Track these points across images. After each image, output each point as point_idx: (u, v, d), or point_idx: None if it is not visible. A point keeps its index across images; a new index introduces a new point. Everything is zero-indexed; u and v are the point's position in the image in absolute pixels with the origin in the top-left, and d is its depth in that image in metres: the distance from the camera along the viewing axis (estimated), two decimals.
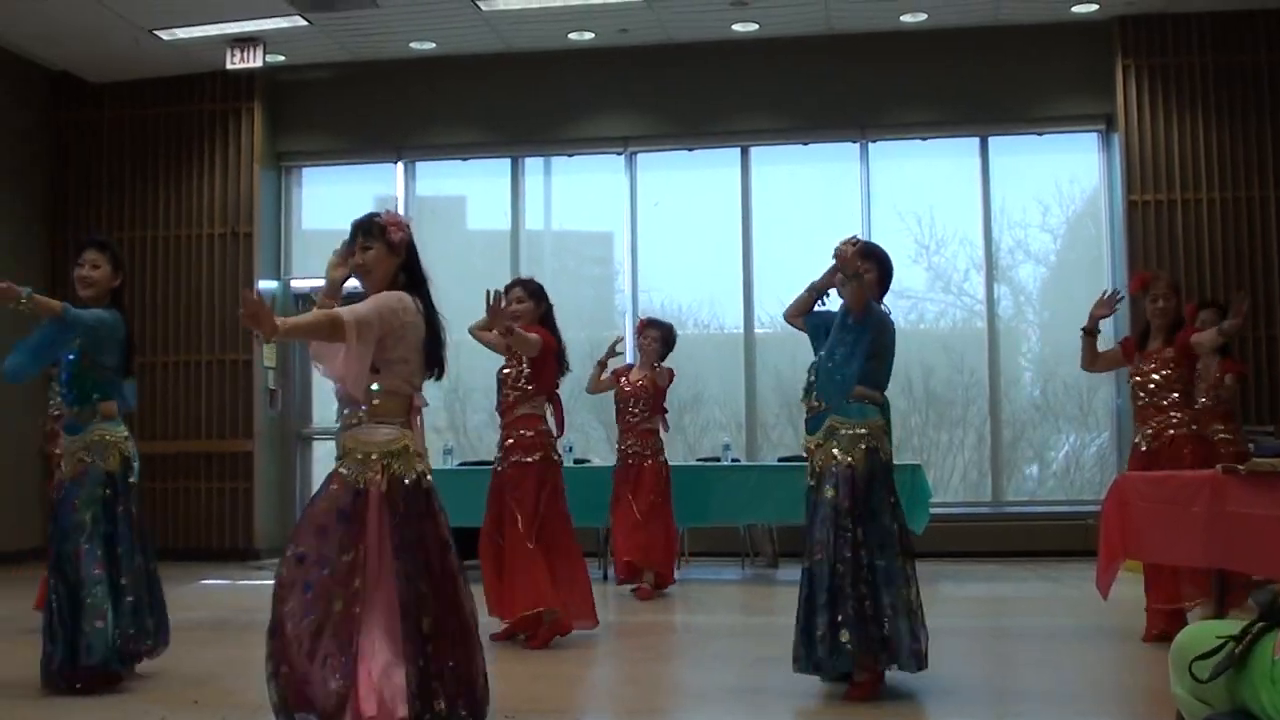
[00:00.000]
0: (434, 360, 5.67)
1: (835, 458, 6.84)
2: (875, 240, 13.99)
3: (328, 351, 5.47)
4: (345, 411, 5.51)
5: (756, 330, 14.91)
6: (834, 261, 6.93)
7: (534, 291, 9.09)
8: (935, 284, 15.04)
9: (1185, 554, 7.32)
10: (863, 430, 6.89)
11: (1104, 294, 9.05)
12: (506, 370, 8.99)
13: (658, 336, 11.73)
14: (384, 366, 5.45)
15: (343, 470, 5.40)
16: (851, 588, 6.63)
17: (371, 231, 5.69)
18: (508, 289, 8.98)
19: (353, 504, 5.33)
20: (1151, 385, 8.73)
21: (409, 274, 5.69)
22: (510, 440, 8.88)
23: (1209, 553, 6.90)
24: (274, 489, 15.24)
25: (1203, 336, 8.80)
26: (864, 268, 7.10)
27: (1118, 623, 8.86)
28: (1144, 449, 8.70)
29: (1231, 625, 3.35)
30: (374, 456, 5.37)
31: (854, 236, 6.97)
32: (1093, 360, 9.07)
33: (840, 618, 6.59)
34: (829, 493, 6.78)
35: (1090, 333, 8.98)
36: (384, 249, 5.66)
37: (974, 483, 14.88)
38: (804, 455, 7.56)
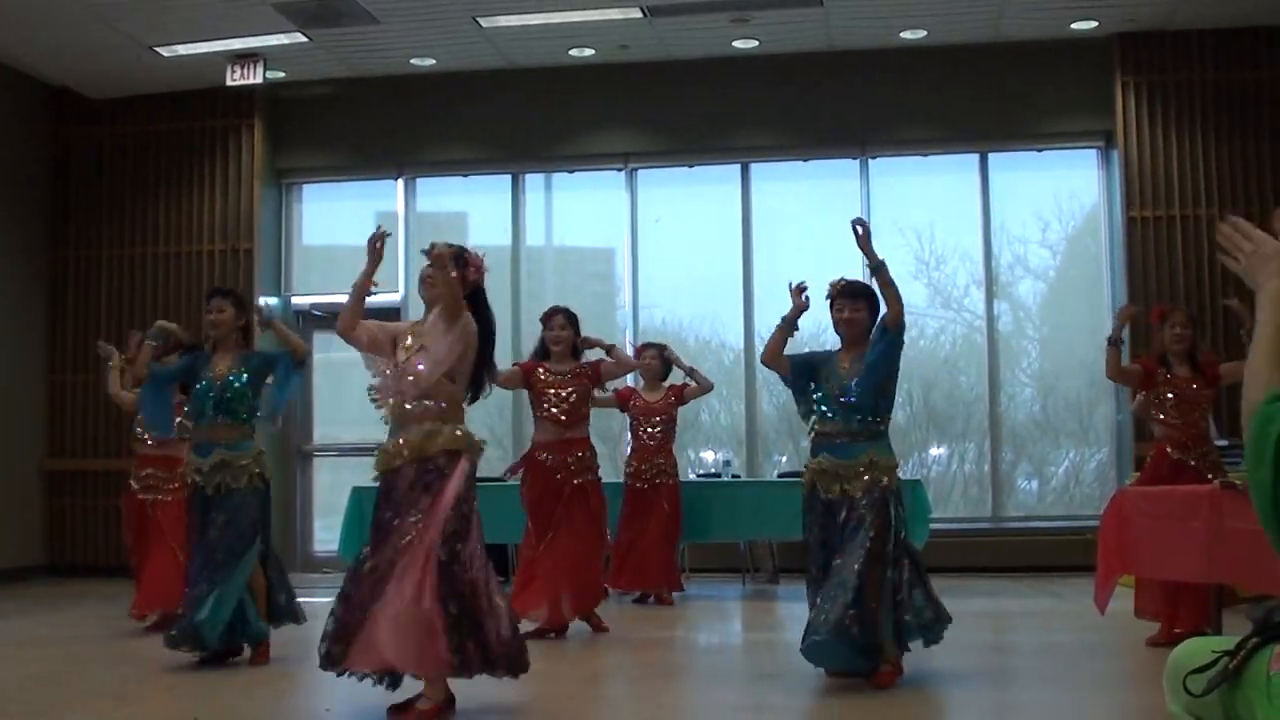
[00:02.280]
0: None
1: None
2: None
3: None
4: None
5: (757, 346, 14.87)
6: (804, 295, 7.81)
7: (573, 320, 9.97)
8: (935, 300, 15.05)
9: (1184, 569, 7.34)
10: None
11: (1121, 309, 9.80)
12: (564, 392, 9.79)
13: (655, 355, 11.93)
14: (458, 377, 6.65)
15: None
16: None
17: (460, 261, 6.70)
18: (550, 317, 10.01)
19: None
20: (1186, 403, 9.00)
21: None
22: (569, 459, 9.74)
23: (1208, 568, 6.92)
24: (275, 505, 15.13)
25: (1235, 368, 9.16)
26: (855, 307, 7.60)
27: (1117, 638, 8.87)
28: (1192, 464, 8.88)
29: (1226, 640, 3.36)
30: None
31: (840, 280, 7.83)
32: (1118, 370, 9.39)
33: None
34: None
35: (1114, 343, 9.30)
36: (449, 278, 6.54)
37: (974, 498, 14.87)
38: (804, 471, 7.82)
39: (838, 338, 7.86)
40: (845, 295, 7.72)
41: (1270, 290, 3.09)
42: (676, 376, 12.13)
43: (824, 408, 7.59)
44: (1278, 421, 2.93)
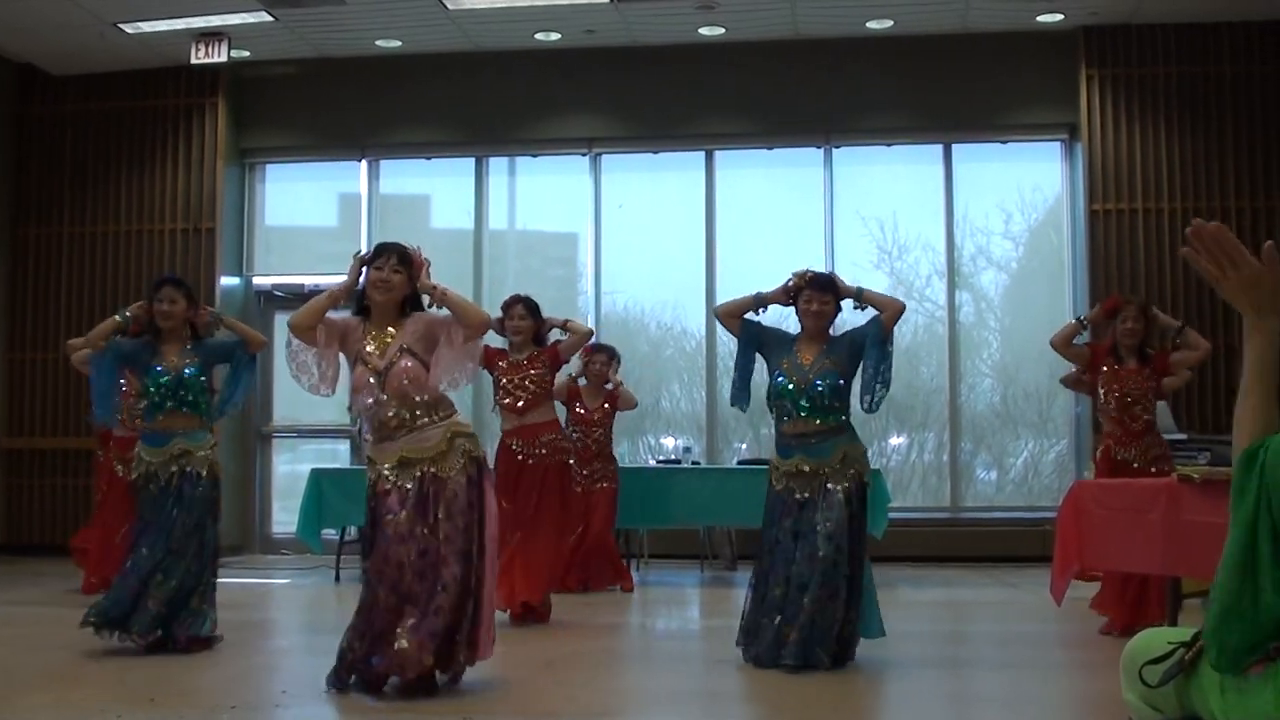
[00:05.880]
0: None
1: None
2: (837, 246, 14.22)
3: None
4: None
5: (719, 333, 14.86)
6: (789, 279, 7.82)
7: (533, 310, 9.94)
8: (897, 290, 14.98)
9: (1141, 561, 7.39)
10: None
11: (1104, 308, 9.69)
12: (519, 378, 9.79)
13: (606, 360, 11.90)
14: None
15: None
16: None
17: (406, 260, 6.83)
18: (509, 307, 9.95)
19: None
20: (1129, 400, 9.06)
21: (413, 304, 6.93)
22: (542, 438, 9.78)
23: (1165, 560, 6.97)
24: (234, 487, 15.07)
25: (1184, 360, 9.24)
26: (824, 300, 7.72)
27: (1073, 628, 8.92)
28: (1134, 465, 8.92)
29: (1183, 632, 3.38)
30: None
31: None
32: (1065, 345, 9.45)
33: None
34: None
35: (1082, 322, 9.57)
36: (406, 278, 6.81)
37: (933, 488, 14.92)
38: (766, 460, 7.90)
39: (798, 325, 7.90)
40: (815, 287, 7.76)
41: (1267, 329, 3.11)
42: (628, 371, 12.20)
43: (789, 402, 7.60)
44: (1250, 492, 2.99)
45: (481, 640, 6.66)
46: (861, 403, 7.73)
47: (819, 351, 7.68)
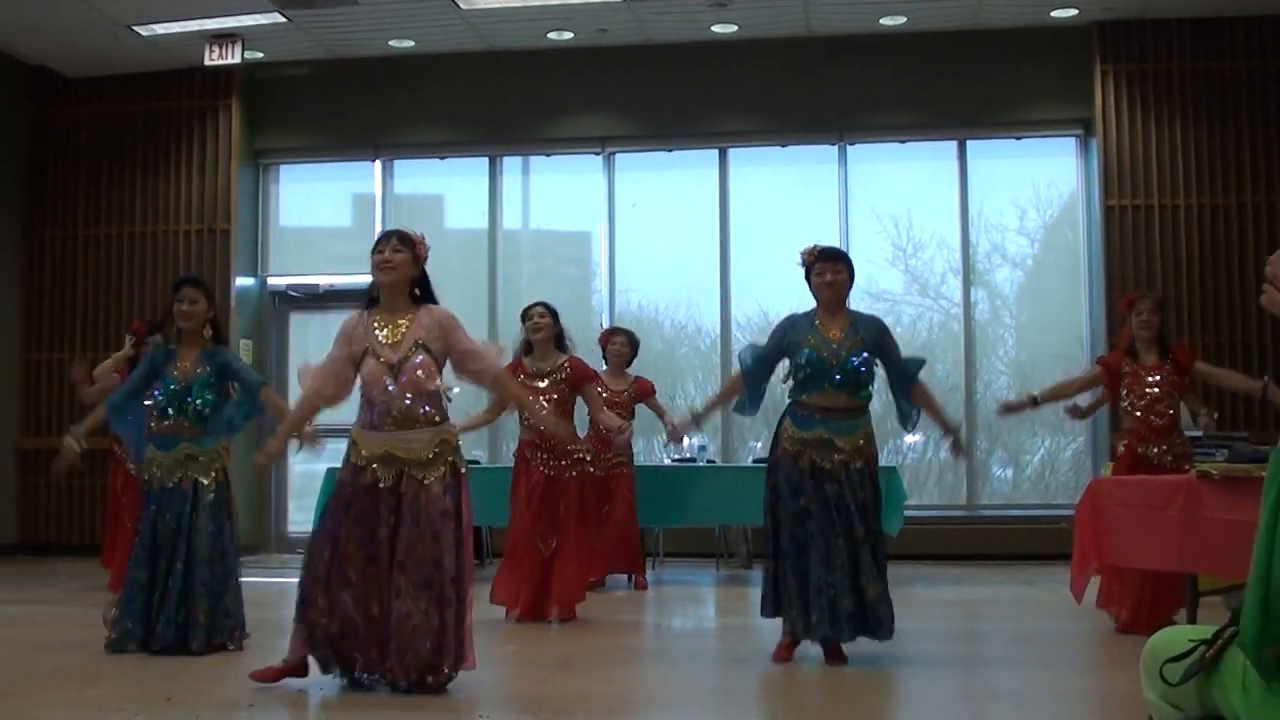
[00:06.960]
0: None
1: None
2: (852, 243, 14.18)
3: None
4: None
5: (733, 331, 14.89)
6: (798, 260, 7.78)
7: (553, 311, 9.81)
8: (912, 287, 15.06)
9: (1159, 558, 7.36)
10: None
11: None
12: (555, 395, 9.61)
13: (625, 341, 11.85)
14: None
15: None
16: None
17: (407, 240, 6.79)
18: (528, 310, 9.86)
19: None
20: (1149, 398, 8.93)
21: (423, 289, 6.87)
22: (558, 458, 9.57)
23: (1183, 557, 6.94)
24: (250, 488, 15.11)
25: (1219, 375, 9.22)
26: (837, 269, 7.56)
27: (1091, 626, 8.88)
28: (1155, 463, 8.81)
29: (1203, 630, 3.37)
30: None
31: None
32: (1075, 392, 9.48)
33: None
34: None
35: (1035, 402, 9.56)
36: (410, 258, 6.74)
37: (949, 486, 14.90)
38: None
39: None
40: (827, 259, 7.68)
41: None
42: (643, 369, 12.12)
43: (822, 373, 7.49)
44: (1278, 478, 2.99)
45: (466, 649, 6.55)
46: (905, 426, 7.90)
47: (845, 326, 7.60)
